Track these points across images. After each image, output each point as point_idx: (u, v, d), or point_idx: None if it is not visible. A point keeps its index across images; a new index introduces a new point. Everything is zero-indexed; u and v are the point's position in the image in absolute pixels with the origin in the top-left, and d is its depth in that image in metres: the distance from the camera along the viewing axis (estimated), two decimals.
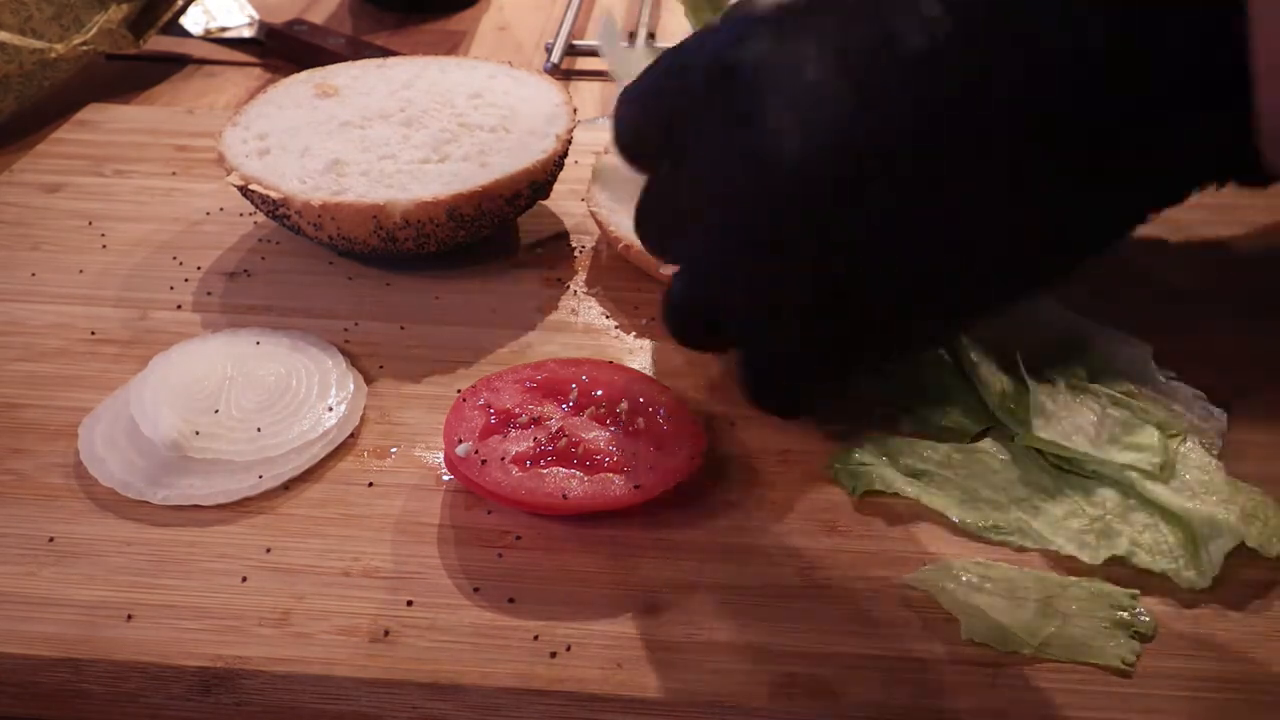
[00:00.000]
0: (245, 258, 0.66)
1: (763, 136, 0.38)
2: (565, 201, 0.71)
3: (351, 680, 0.42)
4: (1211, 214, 0.71)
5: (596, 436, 0.49)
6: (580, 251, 0.67)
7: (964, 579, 0.45)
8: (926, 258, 0.39)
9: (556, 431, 0.48)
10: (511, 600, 0.45)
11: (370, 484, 0.50)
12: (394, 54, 0.91)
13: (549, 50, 0.95)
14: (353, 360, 0.57)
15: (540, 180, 0.63)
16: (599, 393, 0.51)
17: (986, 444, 0.51)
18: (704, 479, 0.50)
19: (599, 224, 0.64)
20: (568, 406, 0.51)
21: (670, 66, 0.43)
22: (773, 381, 0.45)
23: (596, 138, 0.73)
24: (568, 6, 1.04)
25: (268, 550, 0.47)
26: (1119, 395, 0.52)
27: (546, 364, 0.53)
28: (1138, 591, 0.45)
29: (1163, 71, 0.34)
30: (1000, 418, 0.52)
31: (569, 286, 0.64)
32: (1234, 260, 0.67)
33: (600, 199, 0.64)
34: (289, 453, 0.50)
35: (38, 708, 0.44)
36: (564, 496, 0.46)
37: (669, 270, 0.54)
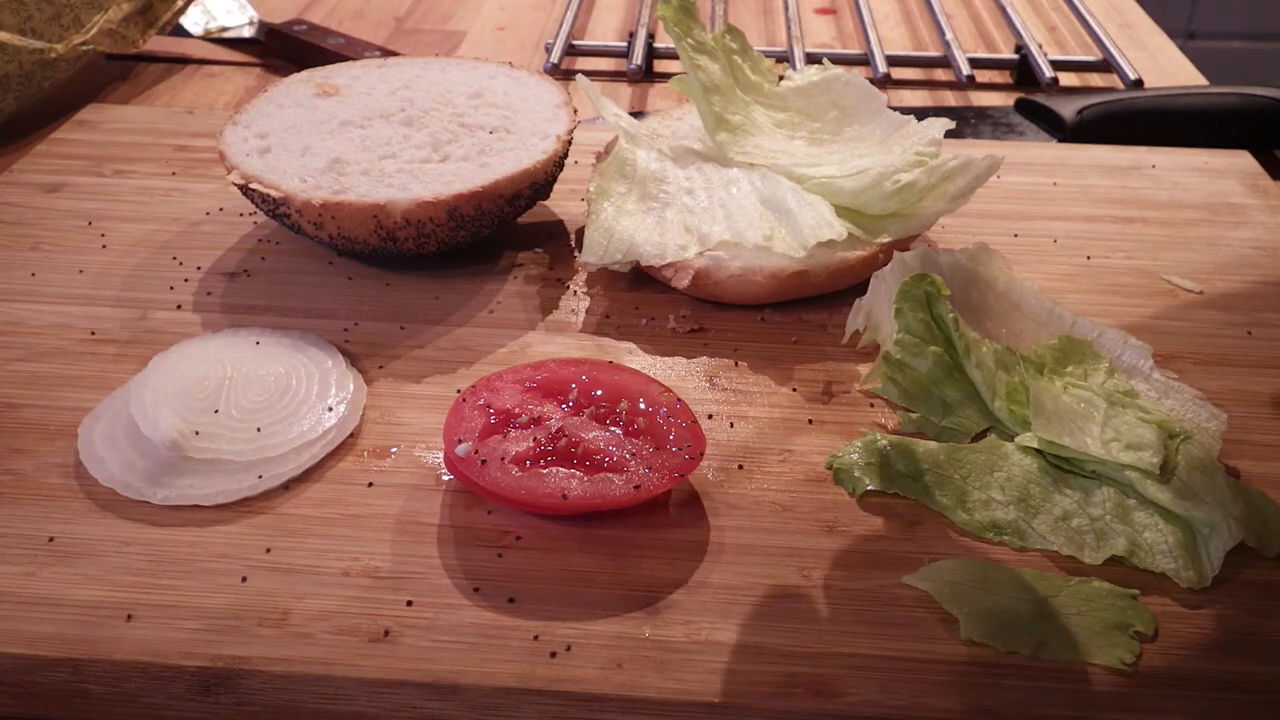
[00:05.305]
0: (245, 258, 0.66)
1: None
2: (565, 201, 0.71)
3: (351, 680, 0.42)
4: (1212, 214, 0.71)
5: (596, 436, 0.49)
6: (580, 251, 0.67)
7: (964, 579, 0.45)
8: None
9: (556, 431, 0.48)
10: (511, 600, 0.45)
11: (370, 484, 0.50)
12: (394, 54, 0.91)
13: (549, 50, 0.95)
14: (353, 360, 0.57)
15: (540, 180, 0.63)
16: (599, 393, 0.51)
17: (986, 444, 0.51)
18: (704, 479, 0.50)
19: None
20: (568, 406, 0.50)
21: None
22: None
23: (596, 138, 0.73)
24: (568, 6, 1.04)
25: (268, 550, 0.47)
26: (1119, 395, 0.52)
27: (546, 364, 0.53)
28: (1138, 591, 0.45)
29: None
30: (1000, 418, 0.52)
31: (569, 286, 0.64)
32: (1233, 260, 0.67)
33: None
34: (289, 453, 0.50)
35: (38, 708, 0.44)
36: (564, 496, 0.46)
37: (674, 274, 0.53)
